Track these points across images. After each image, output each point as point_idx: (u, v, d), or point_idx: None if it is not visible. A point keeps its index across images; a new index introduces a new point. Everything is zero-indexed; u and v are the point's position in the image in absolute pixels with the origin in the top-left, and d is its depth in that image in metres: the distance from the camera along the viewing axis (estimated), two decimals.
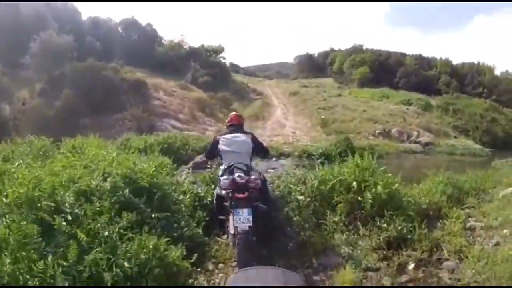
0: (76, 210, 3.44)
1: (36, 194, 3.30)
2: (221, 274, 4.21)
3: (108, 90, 18.45)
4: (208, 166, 6.15)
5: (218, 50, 36.81)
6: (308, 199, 5.46)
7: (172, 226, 4.21)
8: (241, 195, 3.97)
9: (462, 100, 34.19)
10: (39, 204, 3.26)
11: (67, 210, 3.37)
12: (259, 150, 4.80)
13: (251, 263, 3.62)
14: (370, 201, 5.09)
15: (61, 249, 2.98)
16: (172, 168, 7.80)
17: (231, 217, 4.08)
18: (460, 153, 17.86)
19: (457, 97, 35.82)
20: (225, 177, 4.17)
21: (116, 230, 3.39)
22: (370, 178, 5.44)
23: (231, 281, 1.94)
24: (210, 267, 4.35)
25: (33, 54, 19.32)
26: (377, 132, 21.20)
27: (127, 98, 19.27)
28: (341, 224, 5.11)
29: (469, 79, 48.21)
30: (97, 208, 3.54)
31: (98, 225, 3.33)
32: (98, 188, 3.91)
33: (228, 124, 4.92)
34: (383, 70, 50.31)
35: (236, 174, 4.12)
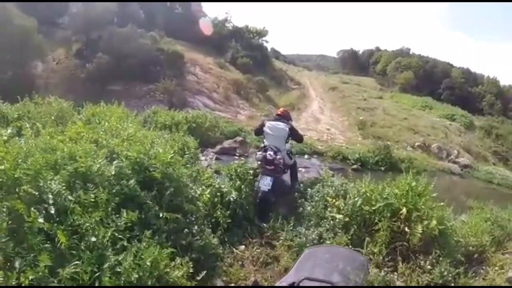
0: (65, 201, 2.63)
1: (16, 175, 2.50)
2: None
3: (144, 59, 17.81)
4: (237, 154, 6.80)
5: (262, 33, 35.66)
6: (347, 219, 4.64)
7: (182, 231, 3.42)
8: (269, 167, 5.45)
9: (506, 126, 31.71)
10: (17, 189, 2.47)
11: (50, 201, 2.53)
12: (294, 137, 6.16)
13: (266, 216, 5.06)
14: (419, 235, 4.26)
15: (33, 255, 2.20)
16: (196, 153, 7.06)
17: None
18: (497, 183, 16.29)
19: (502, 122, 33.31)
20: (260, 152, 5.62)
21: (109, 233, 2.56)
22: (423, 207, 4.56)
23: (301, 258, 2.03)
24: (219, 284, 3.64)
25: (73, 14, 18.80)
26: (416, 144, 19.68)
27: (162, 69, 18.62)
28: (380, 256, 4.32)
29: None
30: (92, 200, 2.72)
31: (87, 224, 2.52)
32: (100, 172, 3.07)
33: (276, 114, 6.39)
34: (428, 78, 48.41)
35: (268, 152, 5.50)
